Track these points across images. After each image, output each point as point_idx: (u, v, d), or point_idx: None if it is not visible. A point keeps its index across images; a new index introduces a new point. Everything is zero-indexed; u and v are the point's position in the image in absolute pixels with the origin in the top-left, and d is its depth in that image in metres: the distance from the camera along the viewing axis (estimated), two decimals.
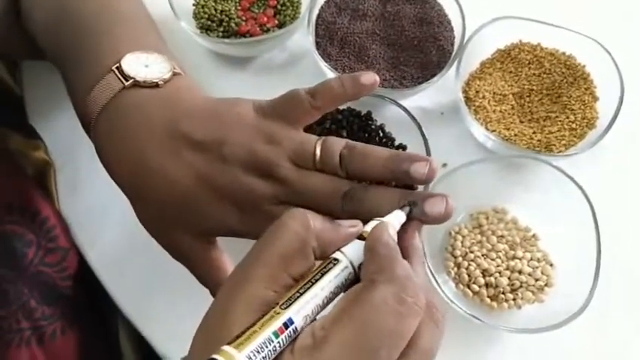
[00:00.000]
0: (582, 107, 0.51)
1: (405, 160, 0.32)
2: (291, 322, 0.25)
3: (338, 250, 0.28)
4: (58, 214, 0.45)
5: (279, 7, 0.56)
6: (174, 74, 0.37)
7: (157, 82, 0.36)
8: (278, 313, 0.25)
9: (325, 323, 0.24)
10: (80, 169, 0.50)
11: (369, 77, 0.35)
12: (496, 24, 0.52)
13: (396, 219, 0.31)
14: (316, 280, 0.26)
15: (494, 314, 0.44)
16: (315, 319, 0.26)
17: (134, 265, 0.47)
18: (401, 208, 0.31)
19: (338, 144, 0.34)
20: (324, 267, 0.27)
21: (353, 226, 0.29)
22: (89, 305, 0.44)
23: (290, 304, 0.25)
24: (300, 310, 0.25)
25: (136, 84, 0.36)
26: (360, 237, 0.29)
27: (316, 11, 0.54)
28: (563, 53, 0.54)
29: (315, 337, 0.24)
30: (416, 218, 0.31)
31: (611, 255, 0.43)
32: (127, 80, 0.36)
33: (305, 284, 0.26)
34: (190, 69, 0.41)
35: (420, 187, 0.46)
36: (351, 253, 0.28)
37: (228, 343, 0.24)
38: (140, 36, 0.40)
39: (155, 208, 0.35)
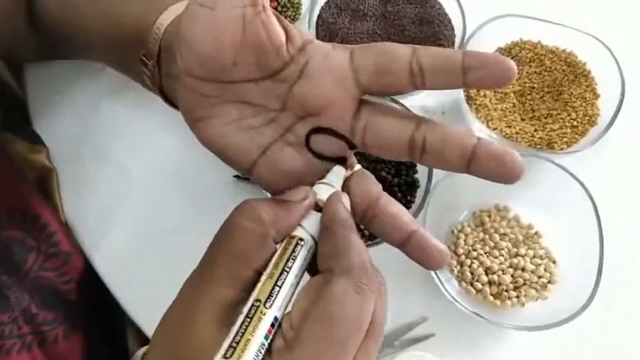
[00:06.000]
0: (583, 104, 0.51)
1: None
2: (276, 319, 0.25)
3: (299, 224, 0.27)
4: (60, 219, 0.45)
5: (279, 8, 0.56)
6: None
7: None
8: (264, 314, 0.24)
9: (293, 322, 0.24)
10: (83, 172, 0.50)
11: None
12: (496, 22, 0.52)
13: (338, 175, 0.29)
14: (289, 268, 0.26)
15: (498, 312, 0.44)
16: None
17: (139, 268, 0.47)
18: (337, 162, 0.29)
19: None
20: (293, 250, 0.26)
21: (304, 198, 0.27)
22: (95, 308, 0.44)
23: (273, 302, 0.24)
24: (282, 304, 0.25)
25: None
26: (316, 206, 0.28)
27: (317, 12, 0.54)
28: (564, 51, 0.54)
29: (286, 338, 0.24)
30: (409, 255, 0.28)
31: (613, 251, 0.43)
32: None
33: (280, 274, 0.25)
34: None
35: (416, 203, 0.45)
36: (311, 227, 0.27)
37: (224, 357, 0.23)
38: None
39: None
